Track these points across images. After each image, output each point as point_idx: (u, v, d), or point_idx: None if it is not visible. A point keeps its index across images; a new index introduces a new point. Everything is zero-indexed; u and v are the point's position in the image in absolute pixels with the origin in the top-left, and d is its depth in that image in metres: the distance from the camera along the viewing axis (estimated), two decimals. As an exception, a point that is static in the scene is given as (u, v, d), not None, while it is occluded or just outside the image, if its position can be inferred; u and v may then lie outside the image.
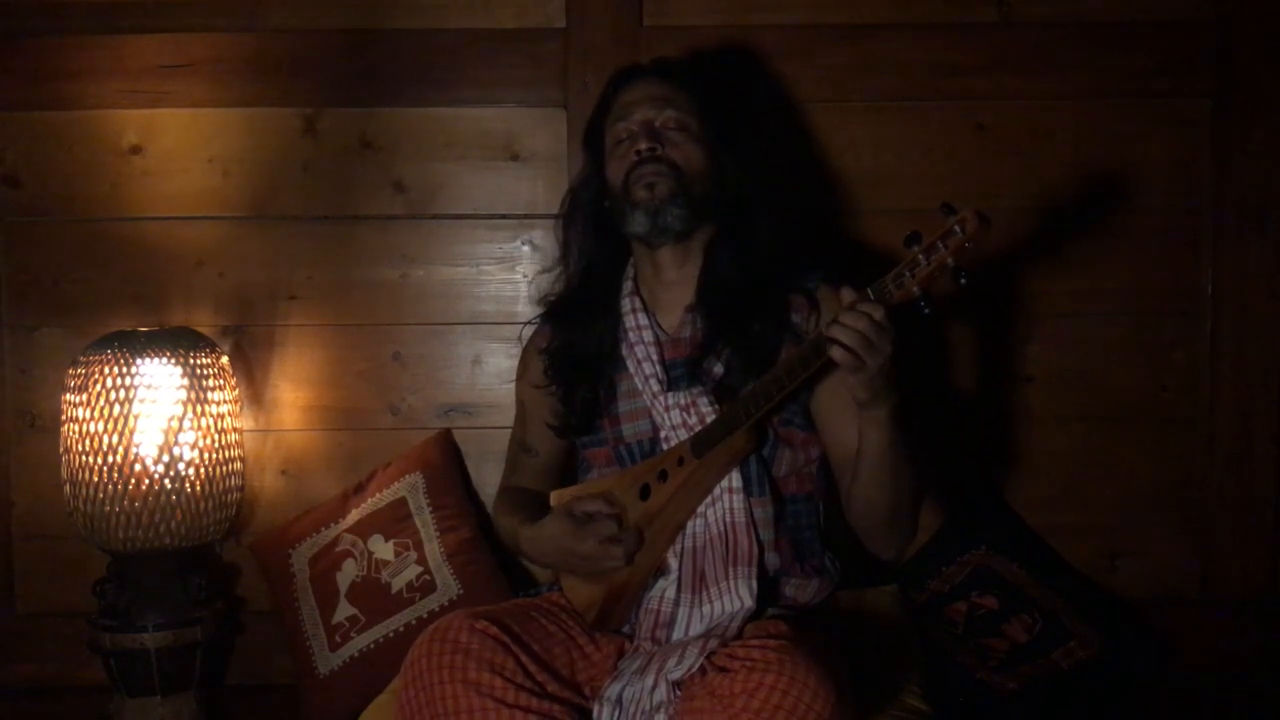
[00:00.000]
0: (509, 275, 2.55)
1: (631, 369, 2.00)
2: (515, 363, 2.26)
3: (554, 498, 2.00)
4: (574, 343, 2.06)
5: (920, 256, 1.66)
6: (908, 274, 1.67)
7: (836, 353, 1.68)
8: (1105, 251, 2.52)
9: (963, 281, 1.64)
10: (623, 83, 2.07)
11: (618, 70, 2.11)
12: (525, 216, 2.54)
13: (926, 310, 1.68)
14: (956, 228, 1.63)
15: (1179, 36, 2.51)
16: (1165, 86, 2.51)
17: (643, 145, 1.97)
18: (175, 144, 2.53)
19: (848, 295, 1.69)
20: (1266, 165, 2.50)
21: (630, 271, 2.07)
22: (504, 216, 2.55)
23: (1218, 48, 2.50)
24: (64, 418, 2.34)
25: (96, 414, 2.29)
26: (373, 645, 2.32)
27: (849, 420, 1.84)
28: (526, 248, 2.55)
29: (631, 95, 2.03)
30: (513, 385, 2.26)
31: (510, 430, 2.27)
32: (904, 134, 2.51)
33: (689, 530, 1.90)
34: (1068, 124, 2.51)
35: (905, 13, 2.50)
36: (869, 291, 1.69)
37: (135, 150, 2.53)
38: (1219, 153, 2.51)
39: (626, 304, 2.04)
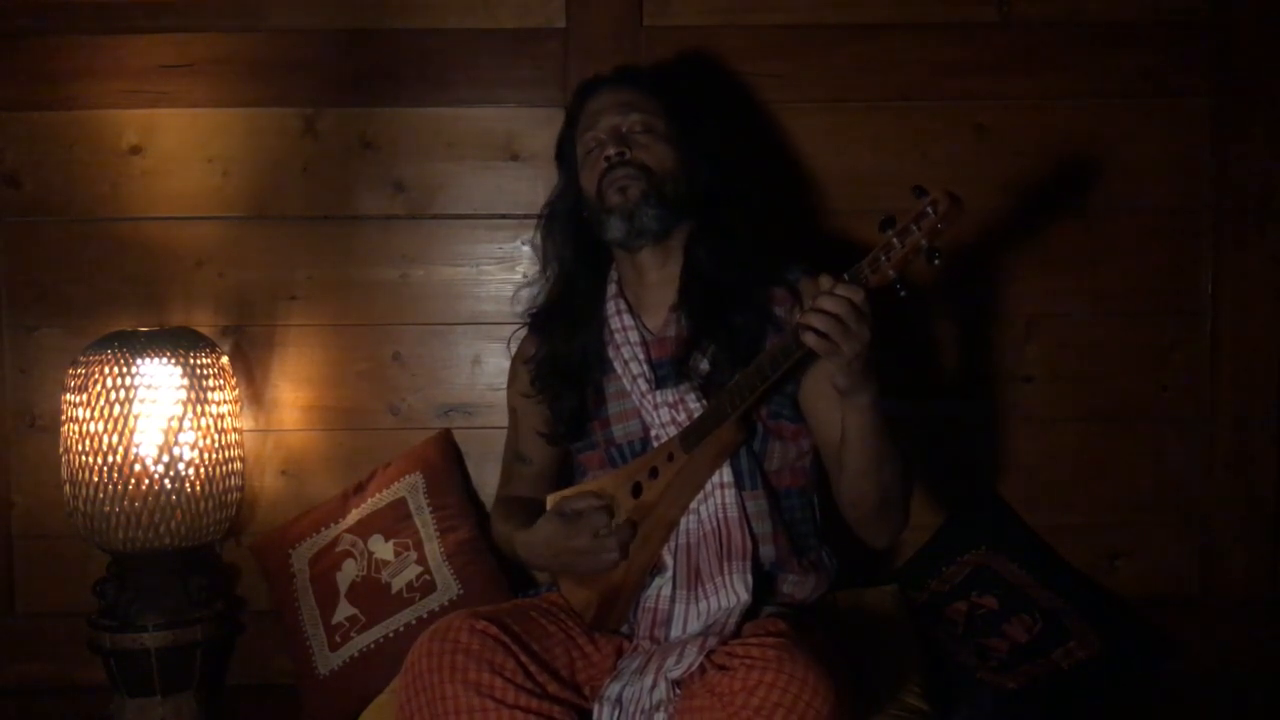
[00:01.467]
0: (509, 275, 2.55)
1: (619, 369, 2.01)
2: (515, 363, 2.27)
3: (549, 501, 2.00)
4: (558, 353, 2.07)
5: (895, 240, 1.66)
6: (883, 258, 1.67)
7: (810, 338, 1.68)
8: (1105, 251, 2.52)
9: (937, 262, 1.64)
10: (588, 93, 2.09)
11: (582, 83, 2.14)
12: (525, 216, 2.53)
13: (903, 293, 1.68)
14: (929, 209, 1.63)
15: (1179, 36, 2.51)
16: (1165, 86, 2.51)
17: (611, 151, 1.99)
18: (175, 144, 2.53)
19: (825, 281, 1.69)
20: (1266, 165, 2.51)
21: (614, 276, 2.08)
22: (504, 216, 2.55)
23: (1218, 48, 2.50)
24: (64, 418, 2.34)
25: (96, 414, 2.29)
26: (373, 645, 2.32)
27: (834, 409, 1.84)
28: (526, 248, 2.54)
29: (597, 104, 2.05)
30: (512, 386, 2.27)
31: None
32: (904, 134, 2.51)
33: (683, 527, 1.90)
34: (1068, 124, 2.51)
35: (905, 13, 2.51)
36: (845, 277, 1.69)
37: (135, 150, 2.53)
38: (1219, 153, 2.51)
39: (611, 307, 2.05)
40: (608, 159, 1.99)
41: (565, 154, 2.13)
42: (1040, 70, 2.50)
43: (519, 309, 2.35)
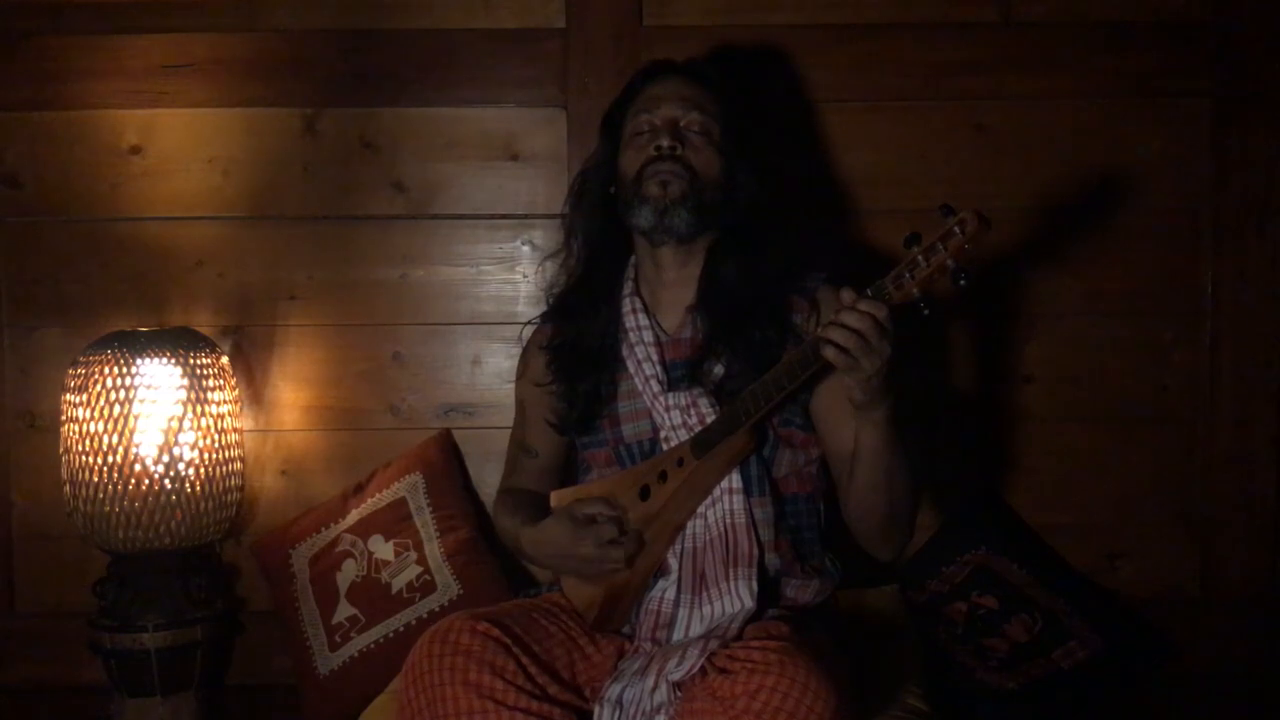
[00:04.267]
0: (509, 275, 2.55)
1: (632, 369, 2.00)
2: (515, 363, 2.26)
3: (554, 498, 1.99)
4: (578, 335, 2.06)
5: (920, 258, 1.65)
6: (907, 275, 1.66)
7: (830, 352, 1.67)
8: (1105, 251, 2.52)
9: (962, 283, 1.64)
10: (653, 76, 2.06)
11: (650, 63, 2.11)
12: (525, 216, 2.54)
13: (926, 311, 1.68)
14: (956, 229, 1.63)
15: (1179, 36, 2.51)
16: (1165, 86, 2.51)
17: (665, 142, 1.96)
18: (175, 144, 2.53)
19: (847, 296, 1.69)
20: (1266, 165, 2.51)
21: (631, 272, 2.07)
22: (504, 216, 2.55)
23: (1218, 48, 2.50)
24: (64, 418, 2.34)
25: (96, 414, 2.29)
26: (373, 645, 2.32)
27: (847, 421, 1.84)
28: (526, 248, 2.55)
29: (660, 90, 2.02)
30: (513, 385, 2.26)
31: (510, 431, 2.27)
32: (904, 134, 2.51)
33: (689, 531, 1.90)
34: (1068, 124, 2.51)
35: (905, 13, 2.51)
36: (868, 292, 1.69)
37: (135, 150, 2.53)
38: (1219, 153, 2.51)
39: (626, 304, 2.04)
40: (658, 148, 1.96)
41: (610, 126, 2.09)
42: (1040, 70, 2.50)
43: (542, 285, 2.33)
